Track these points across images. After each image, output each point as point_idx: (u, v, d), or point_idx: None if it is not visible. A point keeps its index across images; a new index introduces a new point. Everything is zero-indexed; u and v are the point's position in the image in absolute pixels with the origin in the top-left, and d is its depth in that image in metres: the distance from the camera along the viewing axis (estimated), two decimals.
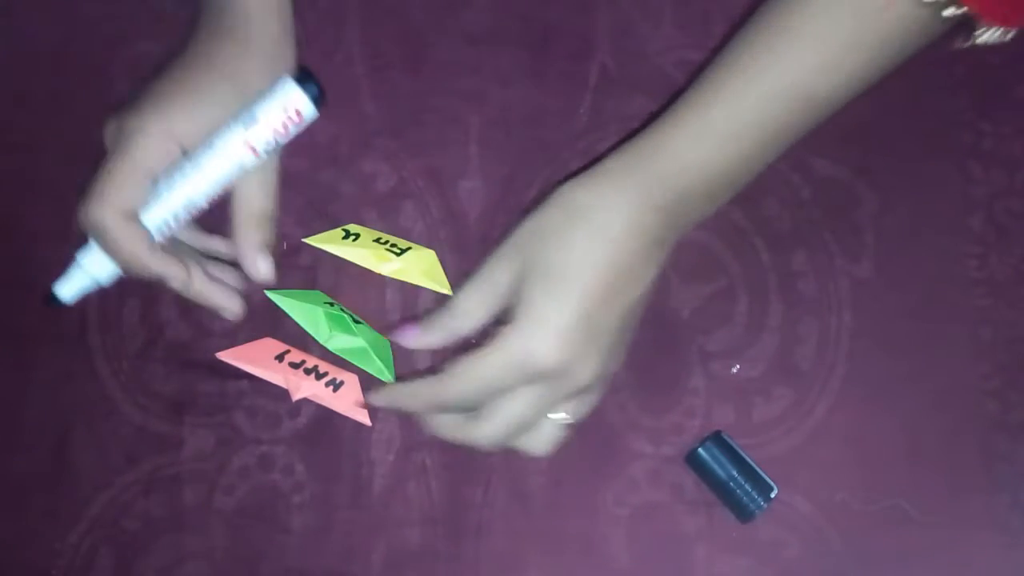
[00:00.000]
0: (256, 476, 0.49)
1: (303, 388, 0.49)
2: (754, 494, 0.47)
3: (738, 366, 0.50)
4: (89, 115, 0.53)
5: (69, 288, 0.47)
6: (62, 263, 0.48)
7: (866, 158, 0.52)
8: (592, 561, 0.49)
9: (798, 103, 0.43)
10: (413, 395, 0.44)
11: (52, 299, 0.47)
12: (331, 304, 0.50)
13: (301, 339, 0.50)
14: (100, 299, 0.50)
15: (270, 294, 0.50)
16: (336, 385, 0.49)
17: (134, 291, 0.51)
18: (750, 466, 0.48)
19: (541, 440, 0.45)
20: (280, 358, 0.50)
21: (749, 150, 0.43)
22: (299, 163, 0.52)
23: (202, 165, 0.45)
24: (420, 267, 0.50)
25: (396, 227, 0.52)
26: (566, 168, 0.52)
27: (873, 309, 0.50)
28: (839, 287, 0.51)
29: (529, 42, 0.53)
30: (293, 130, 0.46)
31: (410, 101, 0.53)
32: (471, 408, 0.44)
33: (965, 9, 0.40)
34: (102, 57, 0.54)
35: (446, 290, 0.50)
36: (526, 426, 0.44)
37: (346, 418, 0.49)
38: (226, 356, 0.50)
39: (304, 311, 0.50)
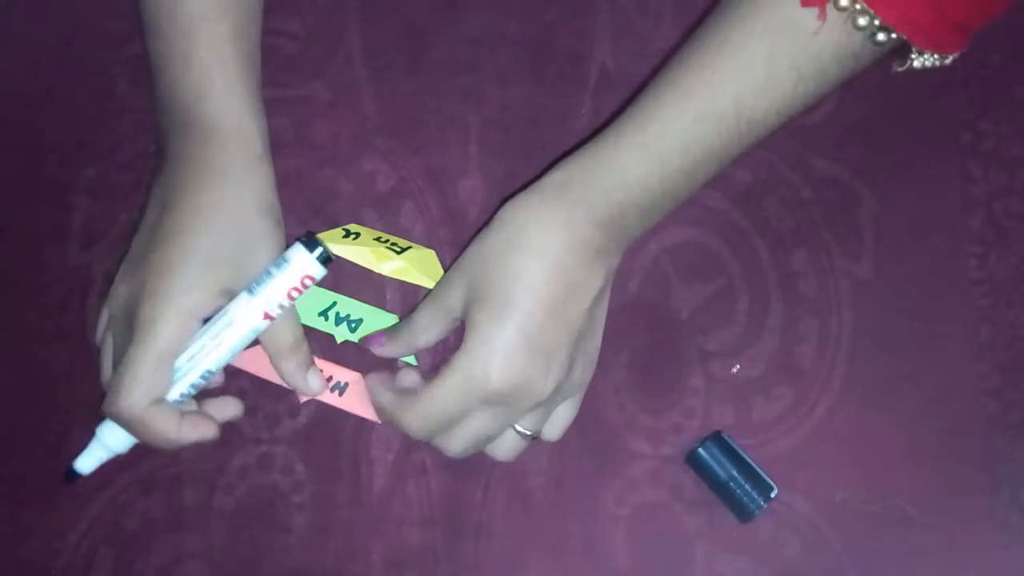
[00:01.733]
0: (256, 476, 0.49)
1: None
2: (754, 494, 0.47)
3: (738, 366, 0.50)
4: (89, 115, 0.53)
5: (89, 462, 0.46)
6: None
7: (866, 158, 0.52)
8: (592, 561, 0.48)
9: (733, 122, 0.43)
10: (382, 412, 0.47)
11: (72, 474, 0.46)
12: (326, 316, 0.50)
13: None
14: (100, 299, 0.50)
15: None
16: (341, 388, 0.49)
17: None
18: (750, 466, 0.48)
19: (504, 449, 0.47)
20: None
21: (686, 167, 0.44)
22: (299, 163, 0.52)
23: (222, 340, 0.45)
24: (420, 266, 0.50)
25: (396, 227, 0.52)
26: None
27: (873, 309, 0.50)
28: (839, 287, 0.51)
29: (529, 42, 0.53)
30: (304, 291, 0.46)
31: (410, 101, 0.53)
32: (437, 431, 0.45)
33: (896, 35, 0.40)
34: (102, 57, 0.54)
35: None
36: (489, 439, 0.46)
37: (346, 418, 0.49)
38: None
39: (306, 315, 0.50)
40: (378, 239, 0.51)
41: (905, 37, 0.41)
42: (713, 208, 0.51)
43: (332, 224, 0.51)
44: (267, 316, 0.45)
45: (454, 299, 0.45)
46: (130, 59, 0.54)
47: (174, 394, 0.45)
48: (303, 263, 0.46)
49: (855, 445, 0.49)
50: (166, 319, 0.43)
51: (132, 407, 0.43)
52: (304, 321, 0.49)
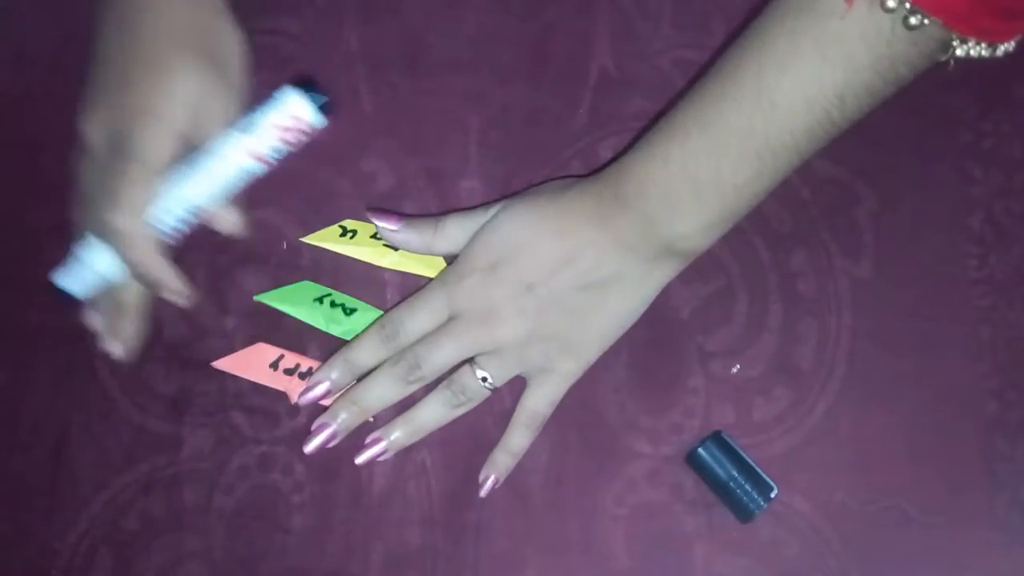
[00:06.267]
0: (255, 476, 0.49)
1: (300, 392, 0.49)
2: (754, 494, 0.47)
3: (738, 366, 0.50)
4: None
5: (73, 282, 0.47)
6: (62, 262, 0.48)
7: (866, 158, 0.52)
8: (592, 561, 0.48)
9: (754, 99, 0.42)
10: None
11: (56, 290, 0.47)
12: (321, 300, 0.50)
13: (298, 337, 0.50)
14: None
15: (262, 298, 0.50)
16: None
17: None
18: (750, 466, 0.48)
19: (467, 392, 0.47)
20: (275, 365, 0.50)
21: (707, 145, 0.44)
22: (299, 163, 0.52)
23: (207, 172, 0.45)
24: (418, 257, 0.50)
25: None
26: (566, 168, 0.52)
27: (873, 309, 0.50)
28: (839, 287, 0.51)
29: (529, 42, 0.53)
30: (298, 137, 0.46)
31: (409, 101, 0.53)
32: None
33: (931, 20, 0.39)
34: None
35: None
36: (449, 360, 0.47)
37: None
38: (221, 365, 0.50)
39: (299, 310, 0.50)
40: (375, 235, 0.51)
41: (940, 22, 0.39)
42: None
43: (331, 224, 0.51)
44: (257, 158, 0.45)
45: (487, 219, 0.48)
46: None
47: (159, 222, 0.45)
48: (295, 104, 0.45)
49: (855, 445, 0.49)
50: (156, 136, 0.44)
51: (124, 221, 0.44)
52: (298, 314, 0.49)
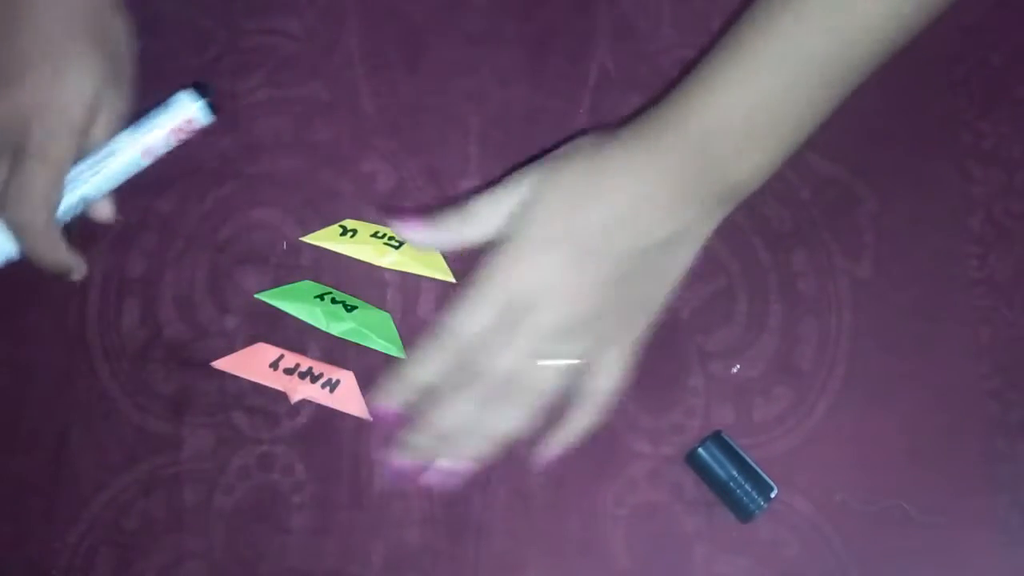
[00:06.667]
0: (256, 476, 0.49)
1: (300, 391, 0.49)
2: (754, 494, 0.47)
3: (738, 366, 0.50)
4: None
5: None
6: None
7: (866, 158, 0.52)
8: (592, 561, 0.48)
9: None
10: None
11: None
12: (321, 297, 0.50)
13: (298, 337, 0.50)
14: (100, 299, 0.50)
15: (262, 296, 0.50)
16: (332, 385, 0.49)
17: (133, 291, 0.51)
18: (750, 466, 0.48)
19: (541, 387, 0.45)
20: (275, 365, 0.50)
21: (765, 54, 0.41)
22: (299, 163, 0.52)
23: (102, 168, 0.48)
24: (419, 256, 0.50)
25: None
26: None
27: (873, 309, 0.50)
28: (839, 287, 0.51)
29: (529, 42, 0.53)
30: (188, 135, 0.50)
31: (409, 101, 0.53)
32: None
33: None
34: None
35: (448, 277, 0.50)
36: (523, 362, 0.44)
37: (346, 418, 0.49)
38: (221, 365, 0.50)
39: (299, 308, 0.50)
40: (375, 234, 0.51)
41: None
42: None
43: (331, 224, 0.51)
44: (147, 153, 0.49)
45: (519, 194, 0.44)
46: None
47: (60, 213, 0.48)
48: (185, 106, 0.49)
49: (855, 445, 0.49)
50: (58, 133, 0.45)
51: (36, 220, 0.46)
52: (299, 312, 0.50)
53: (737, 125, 0.42)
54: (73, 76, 0.45)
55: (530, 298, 0.43)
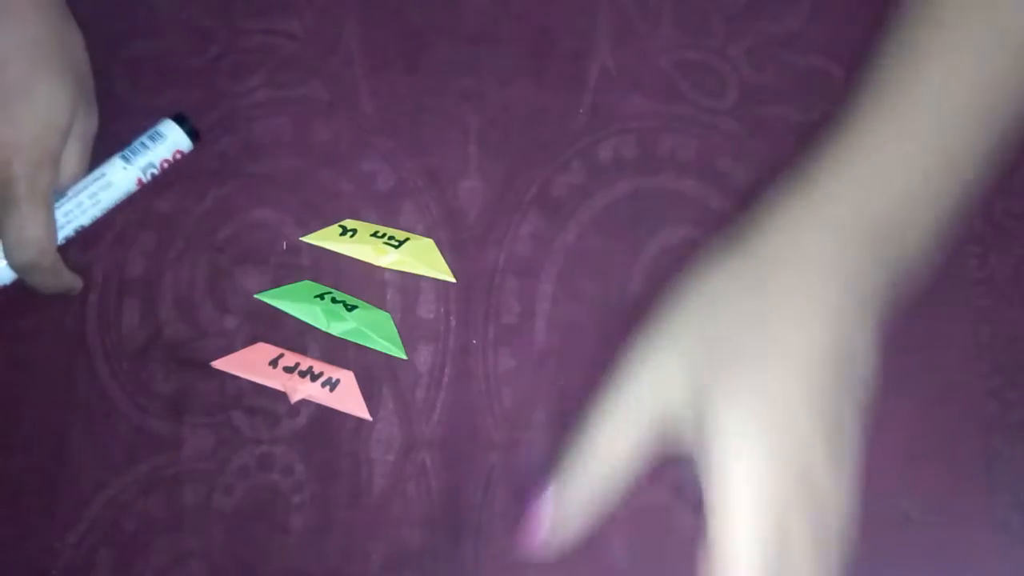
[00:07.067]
0: (255, 476, 0.49)
1: (300, 391, 0.49)
2: None
3: None
4: None
5: None
6: None
7: None
8: (592, 561, 0.48)
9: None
10: None
11: None
12: (321, 297, 0.50)
13: (298, 337, 0.50)
14: (100, 299, 0.50)
15: (262, 297, 0.50)
16: (332, 384, 0.49)
17: (133, 291, 0.51)
18: None
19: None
20: (274, 363, 0.50)
21: (948, 102, 0.39)
22: (298, 163, 0.52)
23: (98, 199, 0.50)
24: (419, 256, 0.50)
25: (396, 226, 0.52)
26: (566, 168, 0.52)
27: None
28: None
29: (529, 42, 0.53)
30: (173, 162, 0.52)
31: (409, 101, 0.53)
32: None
33: None
34: (102, 57, 0.53)
35: (448, 277, 0.50)
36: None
37: (346, 418, 0.49)
38: (221, 364, 0.50)
39: (299, 308, 0.50)
40: (375, 234, 0.51)
41: None
42: (713, 208, 0.51)
43: (331, 224, 0.51)
44: (139, 182, 0.51)
45: (663, 392, 0.34)
46: (130, 59, 0.54)
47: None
48: (176, 137, 0.51)
49: None
50: (40, 171, 0.45)
51: (43, 261, 0.47)
52: (299, 312, 0.50)
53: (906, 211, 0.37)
54: (46, 107, 0.45)
55: (799, 513, 0.33)
